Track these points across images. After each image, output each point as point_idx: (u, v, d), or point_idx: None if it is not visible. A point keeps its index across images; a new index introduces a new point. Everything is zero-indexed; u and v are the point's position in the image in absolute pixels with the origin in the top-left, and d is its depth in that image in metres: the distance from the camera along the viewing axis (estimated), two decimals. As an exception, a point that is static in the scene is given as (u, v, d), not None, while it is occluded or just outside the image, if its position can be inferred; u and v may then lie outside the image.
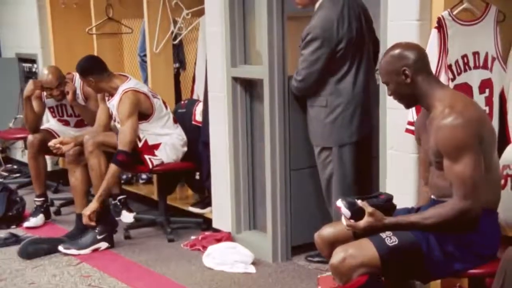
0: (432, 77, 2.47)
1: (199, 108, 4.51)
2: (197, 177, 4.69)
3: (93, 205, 4.06)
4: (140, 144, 4.22)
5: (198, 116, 4.50)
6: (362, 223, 2.40)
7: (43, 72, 4.62)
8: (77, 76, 4.52)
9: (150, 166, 4.22)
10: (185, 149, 4.41)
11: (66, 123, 4.86)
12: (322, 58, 3.49)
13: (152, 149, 4.25)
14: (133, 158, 4.16)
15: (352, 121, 3.55)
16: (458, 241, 2.38)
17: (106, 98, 4.33)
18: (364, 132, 3.58)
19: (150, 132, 4.25)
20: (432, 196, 2.54)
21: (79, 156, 4.25)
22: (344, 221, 2.47)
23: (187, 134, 4.45)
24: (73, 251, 4.02)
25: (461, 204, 2.32)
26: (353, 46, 3.52)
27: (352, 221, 2.42)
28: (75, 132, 4.75)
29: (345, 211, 2.43)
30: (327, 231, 2.62)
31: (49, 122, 4.94)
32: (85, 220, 4.06)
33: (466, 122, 2.29)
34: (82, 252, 4.03)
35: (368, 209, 2.41)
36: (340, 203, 2.45)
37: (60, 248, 4.03)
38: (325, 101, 3.56)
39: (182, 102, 4.70)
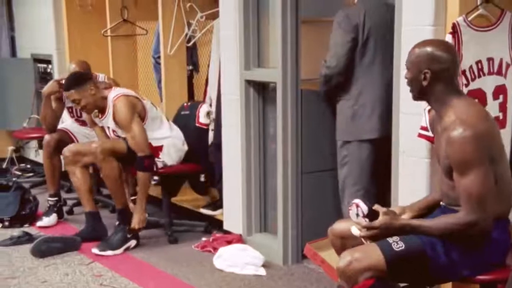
0: (452, 86, 2.42)
1: (203, 110, 4.49)
2: (202, 179, 4.70)
3: (141, 216, 4.10)
4: None
5: (202, 118, 4.49)
6: (378, 221, 2.42)
7: (71, 67, 4.63)
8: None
9: (155, 168, 4.22)
10: (186, 147, 4.40)
11: (83, 123, 4.86)
12: (345, 44, 3.50)
13: (156, 151, 4.23)
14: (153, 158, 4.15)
15: (372, 117, 3.55)
16: (466, 248, 2.38)
17: (97, 120, 4.28)
18: (385, 130, 3.51)
19: (149, 137, 4.18)
20: (442, 203, 2.54)
21: (76, 156, 4.24)
22: (355, 227, 2.48)
23: (191, 136, 4.44)
24: (108, 253, 4.03)
25: (468, 218, 2.32)
26: (380, 41, 3.50)
27: (367, 220, 2.44)
28: (90, 131, 4.76)
29: (363, 206, 2.45)
30: (340, 226, 2.64)
31: (64, 122, 4.94)
32: (133, 233, 4.12)
33: (475, 136, 2.27)
34: (117, 252, 4.05)
35: (383, 209, 2.44)
36: (358, 200, 2.49)
37: (95, 251, 4.02)
38: (348, 94, 3.58)
39: (185, 104, 4.68)
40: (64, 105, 4.78)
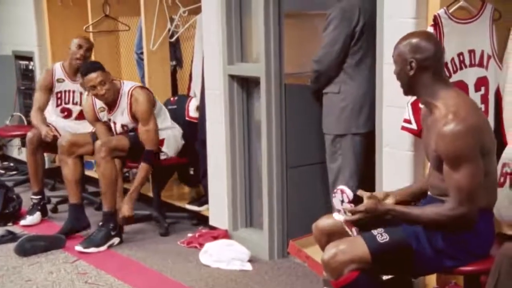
0: (439, 76, 2.43)
1: (192, 104, 4.53)
2: (192, 172, 4.71)
3: (130, 205, 4.09)
4: None
5: (192, 112, 4.52)
6: (363, 205, 2.44)
7: (75, 41, 4.71)
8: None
9: (159, 159, 4.27)
10: (183, 142, 4.44)
11: (68, 114, 4.85)
12: (340, 38, 3.51)
13: (159, 145, 4.27)
14: (139, 147, 4.17)
15: (363, 111, 3.56)
16: (450, 239, 2.40)
17: (101, 114, 4.27)
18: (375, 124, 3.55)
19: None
20: (429, 193, 2.55)
21: (72, 147, 4.25)
22: (338, 214, 2.50)
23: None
24: (92, 250, 4.00)
25: (457, 210, 2.33)
26: (370, 35, 3.50)
27: (352, 206, 2.46)
28: (75, 124, 4.75)
29: (349, 192, 2.48)
30: (325, 222, 2.65)
31: (49, 115, 4.85)
32: (124, 222, 4.12)
33: (467, 130, 2.28)
34: (101, 248, 4.03)
35: (367, 193, 2.47)
36: (342, 186, 2.52)
37: (79, 248, 3.99)
38: (338, 88, 3.59)
39: (172, 98, 4.70)
40: (50, 97, 4.78)
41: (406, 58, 2.41)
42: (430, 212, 2.39)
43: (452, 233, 2.38)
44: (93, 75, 4.05)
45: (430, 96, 2.42)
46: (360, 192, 2.49)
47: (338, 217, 2.55)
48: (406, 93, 2.54)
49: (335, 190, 2.55)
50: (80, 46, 4.72)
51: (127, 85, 4.20)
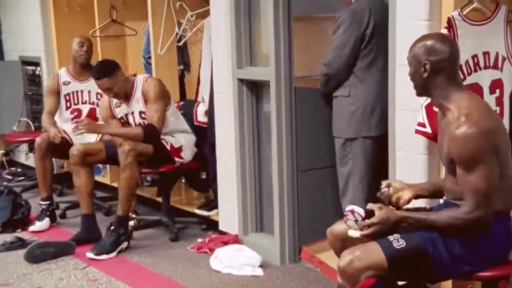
0: (453, 79, 2.41)
1: (200, 109, 4.51)
2: (203, 176, 4.69)
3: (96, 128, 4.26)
4: (168, 146, 4.22)
5: (201, 117, 4.50)
6: (376, 217, 2.38)
7: (76, 41, 4.79)
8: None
9: (175, 165, 4.28)
10: (196, 149, 4.42)
11: (78, 114, 4.85)
12: (351, 41, 3.49)
13: (178, 151, 4.27)
14: (162, 154, 4.18)
15: (374, 114, 3.54)
16: (466, 243, 2.36)
17: (117, 110, 4.28)
18: (386, 128, 3.44)
19: (171, 126, 4.24)
20: (445, 197, 2.52)
21: (85, 157, 4.23)
22: (354, 231, 2.45)
23: (190, 134, 4.48)
24: (103, 256, 3.97)
25: (473, 214, 2.30)
26: (381, 37, 3.48)
27: (366, 220, 2.41)
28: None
29: (359, 210, 2.42)
30: (339, 227, 2.61)
31: (61, 125, 4.82)
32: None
33: (481, 133, 2.25)
34: (112, 255, 4.01)
35: (376, 205, 2.42)
36: (351, 206, 2.45)
37: (90, 255, 3.96)
38: (348, 91, 3.56)
39: (177, 103, 4.67)
40: (60, 100, 4.80)
41: (421, 60, 2.39)
42: (445, 216, 2.36)
43: (467, 238, 2.35)
44: (99, 82, 4.13)
45: (443, 98, 2.39)
46: (369, 206, 2.43)
47: (354, 233, 2.49)
48: (420, 94, 2.51)
49: (345, 213, 2.50)
50: (82, 44, 4.79)
51: (140, 76, 4.28)
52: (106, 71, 4.11)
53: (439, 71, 2.37)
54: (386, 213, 2.39)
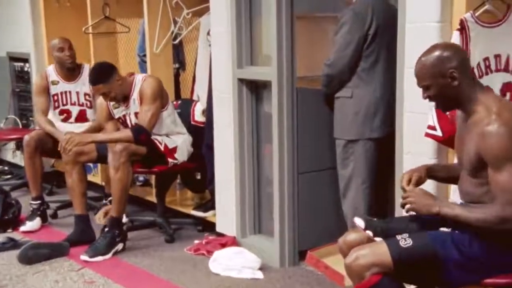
0: (474, 80, 2.39)
1: (198, 108, 4.45)
2: (198, 177, 4.62)
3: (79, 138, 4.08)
4: (162, 147, 4.15)
5: (198, 117, 4.44)
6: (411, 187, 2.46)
7: (55, 42, 4.68)
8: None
9: (169, 166, 4.21)
10: (192, 149, 4.35)
11: (68, 116, 4.77)
12: (353, 42, 3.44)
13: (172, 152, 4.19)
14: (155, 154, 4.12)
15: (376, 115, 3.50)
16: (489, 246, 2.31)
17: (115, 111, 4.21)
18: (388, 129, 3.46)
19: (166, 128, 4.18)
20: (461, 200, 2.49)
21: (77, 156, 4.14)
22: (359, 219, 2.52)
23: (186, 134, 4.41)
24: (99, 258, 3.89)
25: (502, 213, 2.23)
26: (383, 38, 3.45)
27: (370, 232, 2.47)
28: (77, 128, 4.63)
29: (359, 222, 2.50)
30: (352, 236, 2.57)
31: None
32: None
33: (511, 131, 2.22)
34: (107, 256, 3.92)
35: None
36: (354, 219, 2.53)
37: (84, 257, 3.87)
38: (351, 92, 3.52)
39: (174, 102, 4.61)
40: (49, 99, 4.73)
41: (444, 72, 2.30)
42: (481, 212, 2.28)
43: (493, 240, 2.29)
44: (95, 88, 4.09)
45: (471, 101, 2.34)
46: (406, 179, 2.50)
47: (360, 223, 2.53)
48: (448, 108, 2.46)
49: (357, 225, 2.54)
50: (62, 48, 4.67)
51: (139, 76, 4.19)
52: (102, 77, 4.01)
53: (464, 73, 2.32)
54: (421, 190, 2.41)
